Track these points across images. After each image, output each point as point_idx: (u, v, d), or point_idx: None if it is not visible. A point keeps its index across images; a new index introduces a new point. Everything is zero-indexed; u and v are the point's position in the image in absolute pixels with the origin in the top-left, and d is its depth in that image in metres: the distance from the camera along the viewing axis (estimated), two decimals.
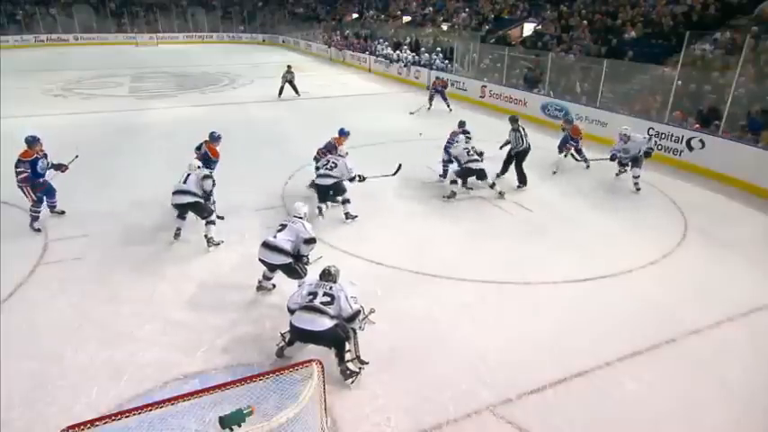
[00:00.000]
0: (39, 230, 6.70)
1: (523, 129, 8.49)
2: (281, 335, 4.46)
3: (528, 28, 18.35)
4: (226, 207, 7.30)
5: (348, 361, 4.22)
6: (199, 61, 26.51)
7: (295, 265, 5.11)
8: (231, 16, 40.40)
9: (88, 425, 2.54)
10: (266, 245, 5.06)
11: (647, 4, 14.68)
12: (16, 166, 6.54)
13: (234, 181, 8.52)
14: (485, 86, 15.72)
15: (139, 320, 4.96)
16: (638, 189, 8.49)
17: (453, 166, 8.33)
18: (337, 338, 4.14)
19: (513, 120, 8.67)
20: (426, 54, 19.25)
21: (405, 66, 19.96)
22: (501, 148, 8.85)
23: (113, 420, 2.70)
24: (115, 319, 4.99)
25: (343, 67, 24.99)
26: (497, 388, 4.16)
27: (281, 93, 16.60)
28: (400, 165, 7.83)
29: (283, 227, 5.15)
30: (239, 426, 2.49)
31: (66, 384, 4.14)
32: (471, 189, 8.35)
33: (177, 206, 6.40)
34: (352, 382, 4.16)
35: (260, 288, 5.42)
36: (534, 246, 6.68)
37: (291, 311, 4.23)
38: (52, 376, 4.22)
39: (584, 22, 15.56)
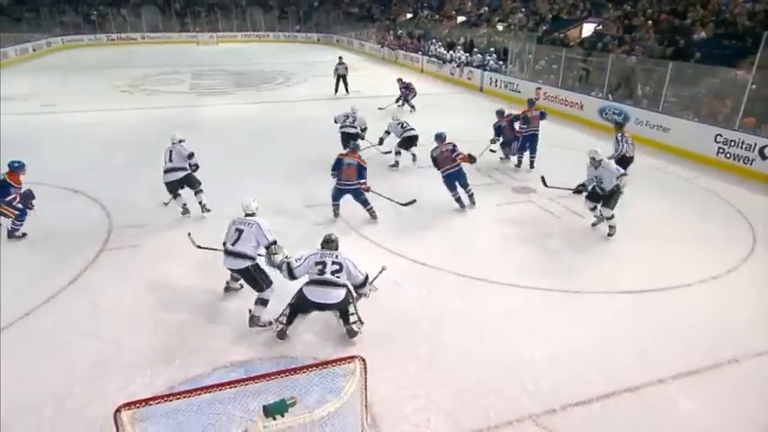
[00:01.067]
0: (23, 235, 6.63)
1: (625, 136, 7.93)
2: (277, 320, 4.67)
3: (587, 28, 17.75)
4: (273, 204, 7.51)
5: (353, 323, 4.57)
6: (255, 60, 27.34)
7: (254, 272, 4.83)
8: (287, 16, 41.42)
9: (143, 404, 2.68)
10: (228, 252, 4.84)
11: (721, 3, 13.88)
12: (8, 192, 6.36)
13: (281, 179, 8.75)
14: (539, 88, 15.35)
15: (191, 308, 5.18)
16: (611, 234, 6.78)
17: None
18: (346, 306, 4.52)
19: (619, 125, 8.34)
20: (479, 54, 19.02)
21: (458, 66, 19.81)
22: (610, 158, 7.41)
23: (165, 401, 2.83)
24: (168, 305, 5.24)
25: (395, 67, 25.07)
26: (541, 397, 4.06)
27: (336, 90, 16.93)
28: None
29: (239, 233, 4.79)
30: (282, 416, 2.55)
31: (124, 364, 4.39)
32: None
33: (171, 183, 6.99)
34: (353, 336, 4.56)
35: (228, 289, 5.38)
36: (585, 253, 6.47)
37: (294, 277, 4.52)
38: (111, 356, 4.49)
39: (649, 22, 14.90)
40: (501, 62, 18.15)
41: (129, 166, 9.37)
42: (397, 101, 14.89)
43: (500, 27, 22.16)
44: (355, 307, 4.65)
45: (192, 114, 14.03)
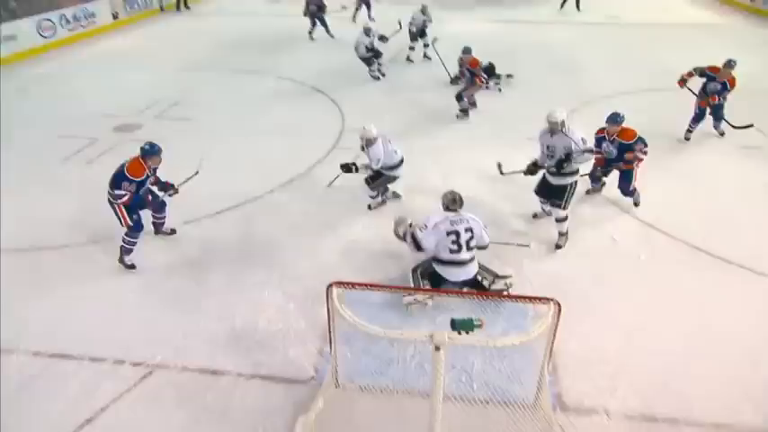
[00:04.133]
0: (132, 267, 4.94)
1: None
2: (415, 300, 4.30)
3: None
4: (495, 132, 7.49)
5: (491, 283, 4.39)
6: None
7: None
8: None
9: (349, 286, 3.15)
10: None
11: None
12: (115, 185, 4.60)
13: (508, 108, 8.52)
14: None
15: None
16: (559, 246, 5.20)
17: None
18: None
19: None
20: None
21: None
22: None
23: (365, 289, 3.27)
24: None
25: None
26: None
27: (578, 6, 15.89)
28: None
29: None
30: (467, 333, 2.71)
31: (340, 251, 5.18)
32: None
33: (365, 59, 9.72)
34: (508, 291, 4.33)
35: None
36: None
37: (421, 249, 4.22)
38: (326, 240, 5.35)
39: None
40: None
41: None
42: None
43: None
44: (485, 269, 4.48)
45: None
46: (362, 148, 5.57)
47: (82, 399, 3.66)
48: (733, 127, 6.95)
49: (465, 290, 4.20)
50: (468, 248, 4.17)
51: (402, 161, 5.69)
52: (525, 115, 7.94)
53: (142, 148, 4.68)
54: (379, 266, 4.96)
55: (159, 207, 5.13)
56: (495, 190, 5.86)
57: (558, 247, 5.18)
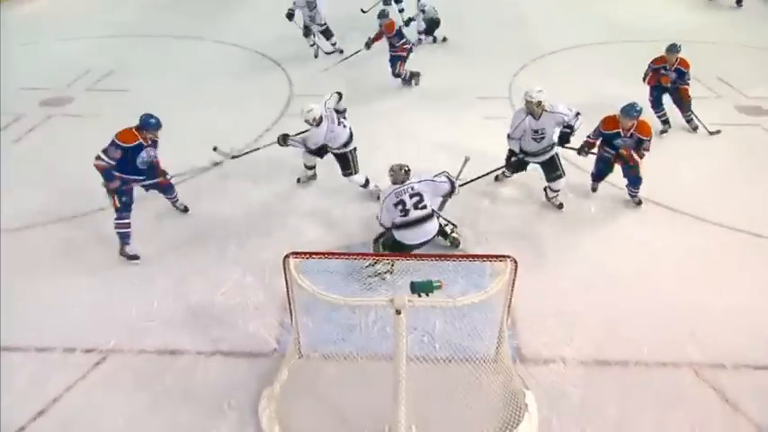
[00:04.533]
0: (135, 258, 4.65)
1: None
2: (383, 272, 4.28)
3: None
4: (445, 93, 7.46)
5: (451, 233, 4.67)
6: None
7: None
8: None
9: (307, 256, 3.13)
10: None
11: None
12: (105, 152, 4.37)
13: (458, 67, 8.50)
14: None
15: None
16: (560, 207, 5.27)
17: None
18: (440, 227, 4.51)
19: None
20: None
21: None
22: None
23: (325, 258, 3.28)
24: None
25: None
26: (711, 350, 3.77)
27: None
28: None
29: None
30: (427, 295, 2.77)
31: (294, 222, 5.13)
32: None
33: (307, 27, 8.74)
34: (459, 245, 4.68)
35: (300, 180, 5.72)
36: None
37: (386, 227, 4.38)
38: (282, 211, 5.29)
39: None
40: None
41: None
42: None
43: None
44: (443, 217, 4.63)
45: None
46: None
47: (31, 391, 3.53)
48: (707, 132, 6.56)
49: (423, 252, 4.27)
50: (417, 207, 4.23)
51: (352, 134, 5.32)
52: (474, 74, 8.05)
53: (142, 119, 4.56)
54: (335, 234, 4.96)
55: (167, 189, 5.06)
56: (451, 153, 5.88)
57: (561, 206, 5.22)
